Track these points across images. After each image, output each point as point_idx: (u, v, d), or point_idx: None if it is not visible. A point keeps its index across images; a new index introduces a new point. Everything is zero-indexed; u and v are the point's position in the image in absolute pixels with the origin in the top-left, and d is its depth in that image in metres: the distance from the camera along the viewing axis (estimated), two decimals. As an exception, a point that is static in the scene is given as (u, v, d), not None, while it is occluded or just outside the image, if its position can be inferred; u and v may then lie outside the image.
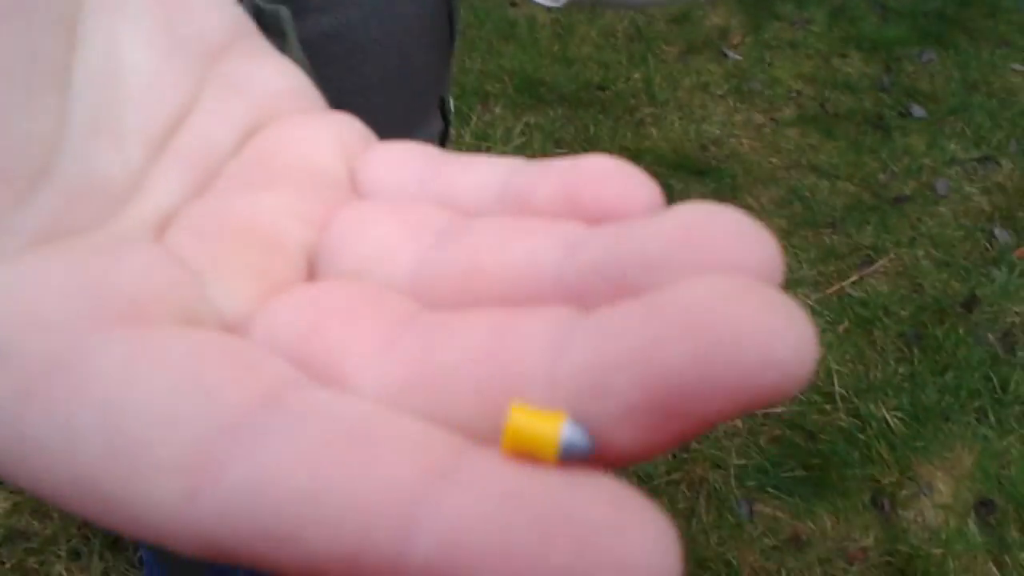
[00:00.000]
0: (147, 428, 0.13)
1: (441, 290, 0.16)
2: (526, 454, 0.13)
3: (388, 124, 0.71)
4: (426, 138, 0.80)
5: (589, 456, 0.12)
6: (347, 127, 0.21)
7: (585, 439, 0.12)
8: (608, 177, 0.16)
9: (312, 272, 0.18)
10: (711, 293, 0.12)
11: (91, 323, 0.14)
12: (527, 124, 2.15)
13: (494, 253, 0.16)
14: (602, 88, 2.32)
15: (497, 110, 2.20)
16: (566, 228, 0.15)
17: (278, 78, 0.20)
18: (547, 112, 2.21)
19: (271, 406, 0.13)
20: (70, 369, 0.13)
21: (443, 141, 0.83)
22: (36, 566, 1.25)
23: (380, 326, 0.15)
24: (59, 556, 1.26)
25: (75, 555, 1.26)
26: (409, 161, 0.19)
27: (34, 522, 1.29)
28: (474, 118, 2.15)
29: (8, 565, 1.25)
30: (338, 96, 0.65)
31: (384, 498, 0.11)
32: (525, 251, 0.15)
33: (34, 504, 1.31)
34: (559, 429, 0.12)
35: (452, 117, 0.80)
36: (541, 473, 0.12)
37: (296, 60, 0.58)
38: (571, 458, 0.12)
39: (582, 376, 0.13)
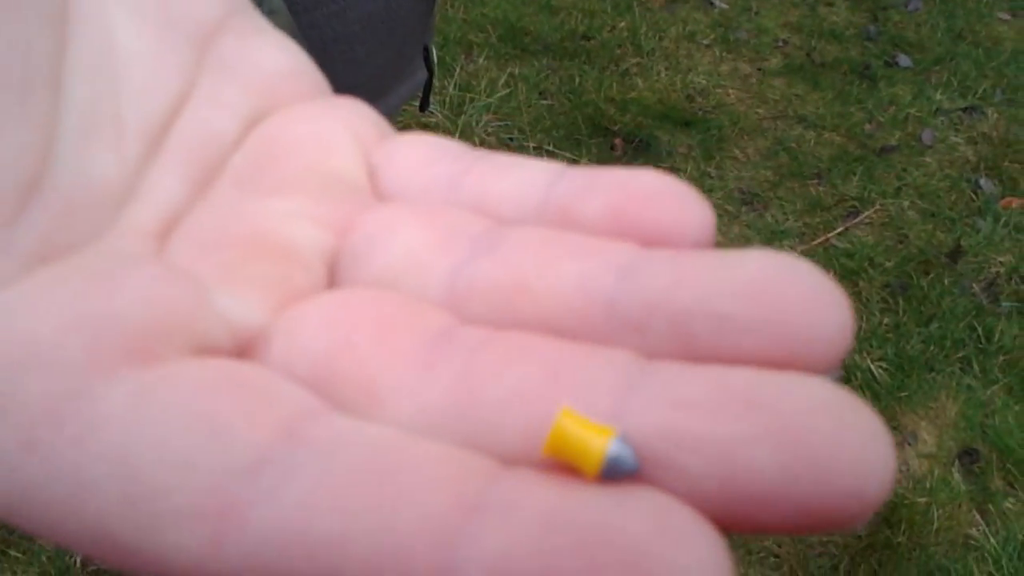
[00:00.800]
0: (162, 474, 0.12)
1: (479, 306, 0.15)
2: (567, 463, 0.12)
3: (373, 73, 0.70)
4: (411, 88, 0.78)
5: (631, 478, 0.12)
6: (359, 117, 0.19)
7: (633, 460, 0.12)
8: (662, 198, 0.15)
9: (333, 281, 0.17)
10: (809, 404, 0.12)
11: (93, 362, 0.13)
12: (511, 75, 2.13)
13: (540, 271, 0.15)
14: (587, 38, 2.29)
15: (481, 60, 2.17)
16: (617, 249, 0.15)
17: (277, 58, 0.19)
18: (531, 63, 2.18)
19: (290, 442, 0.12)
20: (74, 415, 0.12)
21: (427, 91, 0.82)
22: (22, 523, 1.25)
23: (416, 343, 0.14)
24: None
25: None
26: (436, 159, 0.18)
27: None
28: (457, 69, 2.12)
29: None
30: (321, 45, 0.64)
31: (420, 535, 0.11)
32: (575, 273, 0.14)
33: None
34: (608, 443, 0.12)
35: (435, 67, 0.79)
36: (582, 491, 0.12)
37: (274, 10, 0.56)
38: (613, 477, 0.12)
39: (651, 441, 0.12)
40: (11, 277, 0.13)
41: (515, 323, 0.14)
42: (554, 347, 0.14)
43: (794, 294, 0.13)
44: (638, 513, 0.11)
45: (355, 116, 0.19)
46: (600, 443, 0.12)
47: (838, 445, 0.11)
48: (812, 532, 0.11)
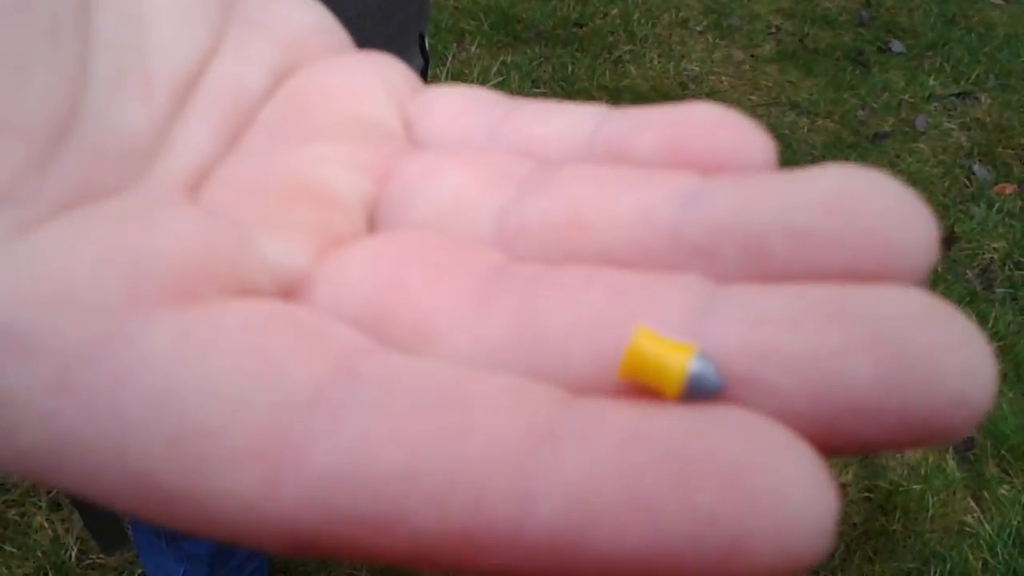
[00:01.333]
0: (211, 414, 0.11)
1: (533, 245, 0.14)
2: (645, 385, 0.11)
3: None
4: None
5: (716, 397, 0.11)
6: (390, 69, 0.19)
7: (716, 377, 0.11)
8: (719, 127, 0.14)
9: (373, 229, 0.16)
10: (905, 309, 0.11)
11: (131, 302, 0.12)
12: (504, 63, 2.12)
13: (597, 204, 0.14)
14: (580, 25, 2.28)
15: (473, 48, 2.16)
16: (677, 178, 0.14)
17: (303, 15, 0.18)
18: (524, 50, 2.17)
19: (347, 377, 0.11)
20: (112, 356, 0.12)
21: (423, 80, 0.81)
22: (17, 518, 1.24)
23: (469, 279, 0.13)
24: (39, 507, 1.25)
25: (56, 506, 1.25)
26: (473, 107, 0.17)
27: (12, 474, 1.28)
28: (450, 57, 2.11)
29: (-12, 517, 1.24)
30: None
31: (494, 463, 0.10)
32: (635, 203, 0.14)
33: (11, 455, 1.29)
34: (688, 360, 0.11)
35: (429, 55, 0.78)
36: (664, 410, 0.11)
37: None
38: (697, 396, 0.11)
39: (734, 359, 0.11)
40: (41, 221, 0.13)
41: (572, 259, 0.14)
42: (619, 275, 0.13)
43: (876, 205, 0.12)
44: (729, 429, 0.10)
45: (386, 68, 0.19)
46: (681, 360, 0.11)
47: (940, 351, 0.11)
48: (912, 446, 0.11)
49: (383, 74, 0.18)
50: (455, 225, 0.15)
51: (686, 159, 0.14)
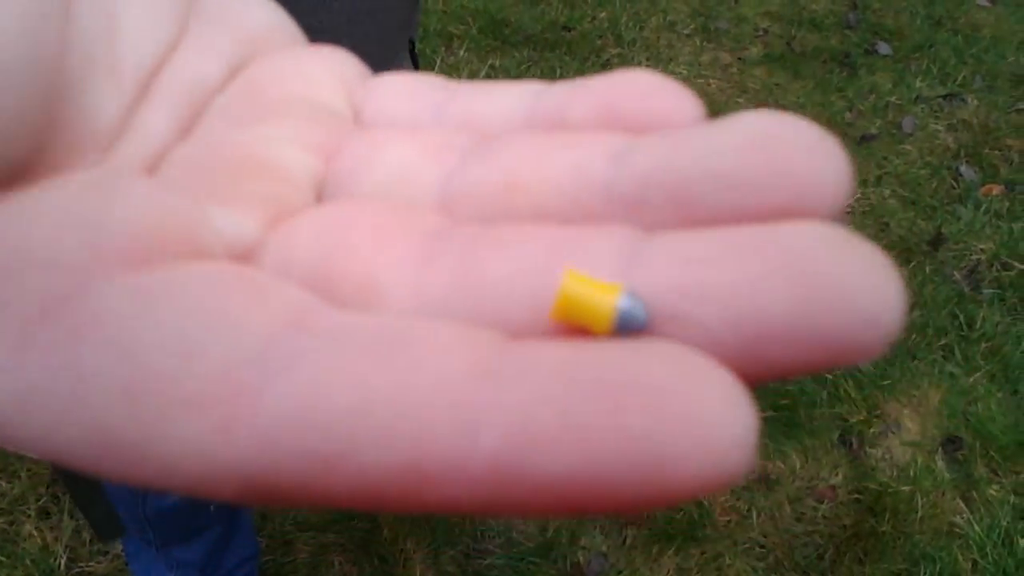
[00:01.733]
0: (167, 363, 0.12)
1: (473, 208, 0.15)
2: (577, 324, 0.12)
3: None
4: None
5: (643, 331, 0.12)
6: (341, 61, 0.19)
7: (643, 312, 0.12)
8: (650, 91, 0.15)
9: (322, 202, 0.17)
10: (816, 240, 0.12)
11: (91, 263, 0.12)
12: (492, 67, 2.12)
13: (533, 166, 0.15)
14: (567, 28, 2.29)
15: (461, 52, 2.16)
16: (609, 139, 0.15)
17: (260, 13, 0.19)
18: (512, 54, 2.17)
19: (298, 329, 0.12)
20: (72, 310, 0.12)
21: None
22: (5, 526, 1.24)
23: (413, 239, 0.14)
24: (28, 516, 1.24)
25: (45, 515, 1.25)
26: (418, 90, 0.18)
27: (1, 482, 1.28)
28: (438, 61, 2.11)
29: (-24, 526, 1.23)
30: (307, 35, 0.63)
31: (437, 399, 0.11)
32: (568, 163, 0.14)
33: (1, 463, 1.29)
34: (616, 298, 0.12)
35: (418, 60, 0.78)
36: (597, 344, 0.11)
37: None
38: (626, 331, 0.12)
39: (660, 297, 0.12)
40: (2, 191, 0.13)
41: (510, 219, 0.14)
42: (553, 229, 0.14)
43: (793, 144, 0.13)
44: (656, 358, 0.11)
45: (338, 60, 0.19)
46: (609, 299, 0.12)
47: (851, 276, 0.11)
48: (828, 367, 0.11)
49: (333, 63, 0.19)
50: (400, 195, 0.16)
51: (620, 121, 0.15)
